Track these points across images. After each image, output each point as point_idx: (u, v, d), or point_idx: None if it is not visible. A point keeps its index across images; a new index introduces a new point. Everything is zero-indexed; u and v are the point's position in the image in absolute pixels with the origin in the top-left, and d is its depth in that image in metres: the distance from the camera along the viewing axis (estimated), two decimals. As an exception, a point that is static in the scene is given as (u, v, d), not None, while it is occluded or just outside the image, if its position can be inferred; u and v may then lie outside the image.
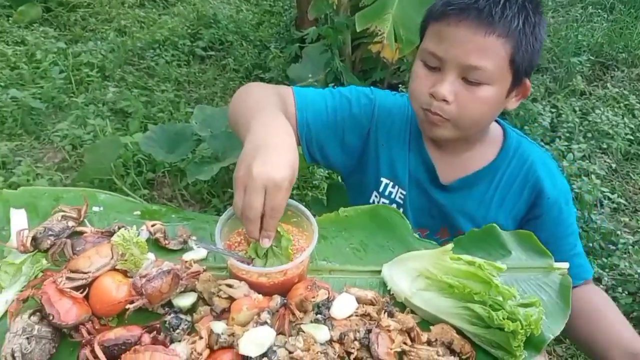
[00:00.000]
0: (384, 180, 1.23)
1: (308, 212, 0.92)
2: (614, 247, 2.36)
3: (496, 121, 1.23)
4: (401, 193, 1.22)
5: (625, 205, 2.81)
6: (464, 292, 0.83)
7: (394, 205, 1.21)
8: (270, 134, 0.87)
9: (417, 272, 0.90)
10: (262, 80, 3.78)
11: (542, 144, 3.01)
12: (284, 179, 0.79)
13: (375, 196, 1.26)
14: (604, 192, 2.70)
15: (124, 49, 3.96)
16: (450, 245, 0.89)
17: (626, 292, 2.10)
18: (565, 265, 0.97)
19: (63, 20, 4.34)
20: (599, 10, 5.06)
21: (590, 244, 2.43)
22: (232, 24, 4.43)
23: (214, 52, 4.11)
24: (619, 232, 2.44)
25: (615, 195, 2.72)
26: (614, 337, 1.07)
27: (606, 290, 2.15)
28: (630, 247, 2.30)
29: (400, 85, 3.30)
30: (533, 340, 0.83)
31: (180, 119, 3.17)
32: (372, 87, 1.28)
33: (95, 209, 1.07)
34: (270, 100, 1.08)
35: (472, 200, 1.20)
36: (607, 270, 2.25)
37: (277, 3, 4.98)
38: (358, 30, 2.80)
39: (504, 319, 0.79)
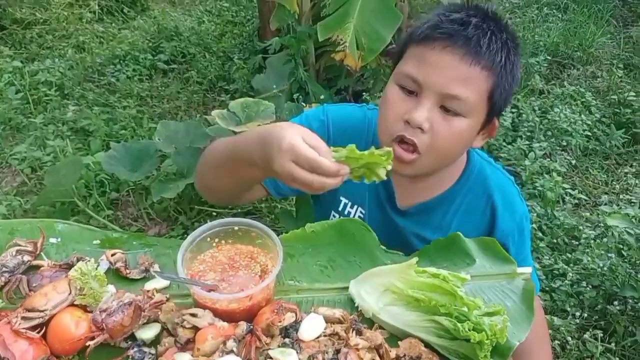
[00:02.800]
0: (343, 200, 1.22)
1: (272, 233, 0.91)
2: (577, 242, 2.43)
3: None
4: (360, 212, 1.20)
5: (586, 201, 2.89)
6: (430, 305, 0.84)
7: None
8: (257, 134, 0.90)
9: (384, 287, 0.90)
10: (226, 92, 3.76)
11: (505, 144, 3.07)
12: (289, 141, 0.80)
13: (334, 215, 1.25)
14: (566, 188, 2.78)
15: (83, 66, 3.87)
16: (414, 259, 0.89)
17: (590, 286, 2.16)
18: (528, 269, 0.99)
19: (18, 38, 4.23)
20: (554, 11, 5.22)
21: (555, 240, 2.49)
22: (194, 36, 4.39)
23: (176, 65, 4.06)
24: (581, 227, 2.51)
25: (576, 191, 2.80)
26: None
27: (571, 285, 2.21)
28: (592, 241, 2.37)
29: (364, 93, 3.33)
30: (499, 348, 0.84)
31: (144, 135, 3.11)
32: (325, 105, 1.23)
33: (53, 240, 1.03)
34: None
35: (429, 225, 1.19)
36: (571, 265, 2.30)
37: (240, 13, 4.96)
38: (320, 40, 2.81)
39: (469, 330, 0.80)
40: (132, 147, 2.57)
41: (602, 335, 2.05)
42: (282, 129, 0.83)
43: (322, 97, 3.15)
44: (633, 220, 2.23)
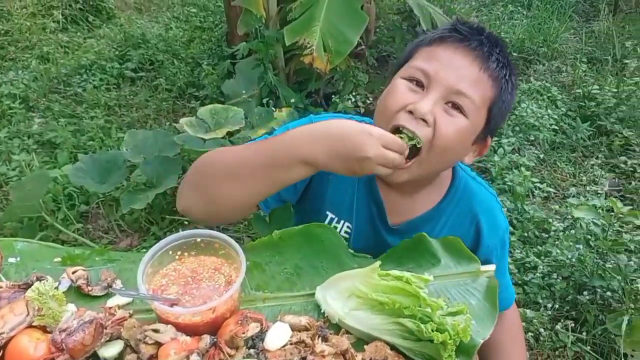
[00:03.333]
0: (329, 214, 1.20)
1: (234, 243, 0.90)
2: (546, 235, 2.48)
3: None
4: (347, 227, 1.18)
5: (555, 193, 2.95)
6: (394, 307, 0.84)
7: None
8: (308, 132, 0.93)
9: (349, 292, 0.90)
10: (196, 98, 3.72)
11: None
12: (378, 130, 0.89)
13: None
14: (534, 182, 2.83)
15: (47, 77, 3.79)
16: (377, 263, 0.90)
17: (560, 277, 2.21)
18: (492, 267, 1.01)
19: (-21, 51, 4.13)
20: (519, 8, 5.33)
21: (526, 234, 2.54)
22: (161, 43, 4.34)
23: (144, 73, 4.01)
24: (550, 220, 2.56)
25: (545, 184, 2.85)
26: None
27: (542, 277, 2.25)
28: (561, 233, 2.42)
29: (334, 95, 3.33)
30: (463, 346, 0.85)
31: (112, 145, 3.06)
32: (311, 116, 1.21)
33: (12, 260, 1.01)
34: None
35: None
36: (542, 257, 2.35)
37: (208, 19, 4.93)
38: (287, 44, 2.81)
39: (432, 331, 0.80)
40: (99, 158, 2.53)
41: (573, 325, 2.10)
42: (352, 124, 0.90)
43: (292, 100, 3.15)
44: (600, 211, 2.28)
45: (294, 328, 0.87)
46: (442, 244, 1.05)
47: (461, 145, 1.02)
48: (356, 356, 0.83)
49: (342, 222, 1.19)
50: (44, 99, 3.55)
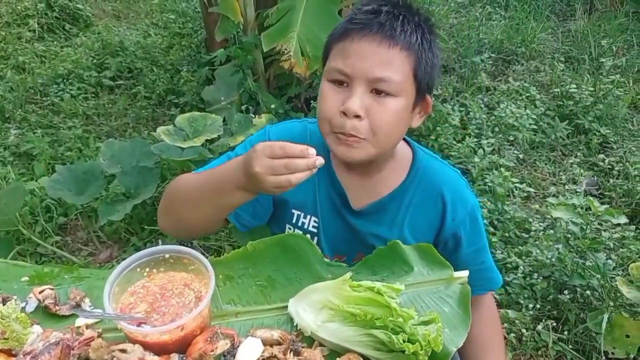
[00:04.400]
0: (295, 212, 1.22)
1: (203, 258, 0.89)
2: (527, 235, 2.50)
3: (406, 141, 1.24)
4: (314, 221, 1.21)
5: (535, 193, 2.98)
6: (366, 319, 0.84)
7: (308, 235, 1.18)
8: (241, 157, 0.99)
9: (321, 305, 0.89)
10: (176, 105, 3.69)
11: (455, 142, 3.13)
12: (261, 144, 0.92)
13: (289, 228, 1.25)
14: (514, 182, 2.86)
15: (23, 87, 3.73)
16: (348, 274, 0.89)
17: (541, 277, 2.22)
18: (465, 273, 1.00)
19: (-48, 62, 4.05)
20: (497, 8, 5.38)
21: (507, 234, 2.55)
22: (140, 50, 4.30)
23: (123, 81, 3.97)
24: (531, 220, 2.58)
25: (524, 184, 2.88)
26: None
27: (524, 277, 2.27)
28: (541, 233, 2.44)
29: (314, 100, 3.33)
30: (436, 355, 0.85)
31: (91, 156, 3.02)
32: (267, 127, 1.25)
33: (-23, 280, 0.98)
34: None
35: (384, 223, 1.20)
36: (523, 257, 2.37)
37: (187, 25, 4.89)
38: (265, 50, 2.80)
39: (404, 341, 0.80)
40: (76, 169, 2.49)
41: (555, 324, 2.11)
42: (258, 144, 0.94)
43: (272, 106, 3.14)
44: (579, 210, 2.30)
45: (266, 342, 0.86)
46: (415, 250, 1.04)
47: (402, 120, 1.07)
48: (329, 369, 0.83)
49: (308, 217, 1.21)
50: (20, 110, 3.49)
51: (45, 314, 0.92)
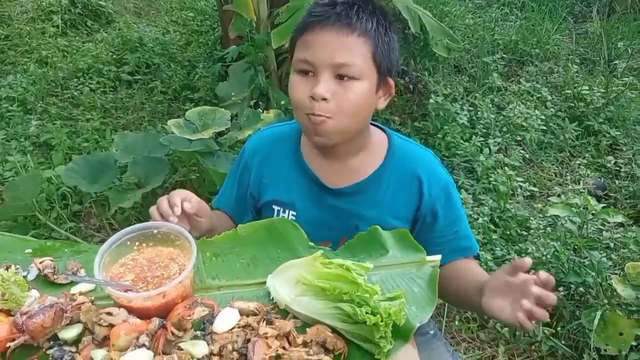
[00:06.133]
0: (275, 207, 1.30)
1: (187, 234, 0.96)
2: (527, 233, 2.52)
3: (381, 128, 1.31)
4: (292, 215, 1.27)
5: (540, 192, 2.99)
6: (335, 293, 0.90)
7: None
8: None
9: (295, 280, 0.96)
10: (191, 100, 3.80)
11: (462, 141, 3.16)
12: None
13: None
14: (519, 181, 2.87)
15: (45, 80, 3.88)
16: (320, 252, 0.96)
17: (538, 274, 2.24)
18: (437, 257, 1.05)
19: (-21, 56, 4.24)
20: (513, 9, 5.37)
21: (508, 232, 2.58)
22: (158, 47, 4.42)
23: (140, 76, 4.10)
24: (532, 219, 2.60)
25: (528, 184, 2.89)
26: (481, 277, 1.14)
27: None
28: (540, 231, 2.46)
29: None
30: (400, 329, 0.90)
31: (107, 147, 3.14)
32: (245, 145, 1.39)
33: (-15, 251, 1.08)
34: None
35: (365, 204, 1.26)
36: (522, 255, 2.39)
37: (205, 22, 5.01)
38: (274, 48, 2.87)
39: (366, 314, 0.86)
40: (92, 159, 2.60)
41: (549, 320, 2.13)
42: None
43: (282, 102, 3.21)
44: (582, 209, 2.31)
45: (243, 313, 0.93)
46: (392, 235, 1.10)
47: (366, 101, 1.15)
48: (298, 338, 0.89)
49: (287, 211, 1.28)
50: (42, 102, 3.64)
51: (45, 282, 1.01)
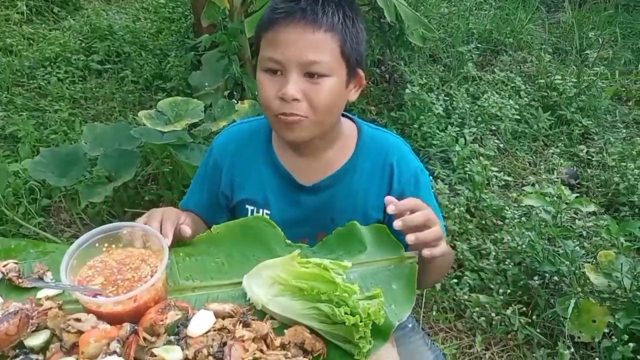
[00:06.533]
0: (249, 207, 1.27)
1: (157, 234, 0.93)
2: (502, 223, 2.55)
3: (350, 119, 1.29)
4: (266, 214, 1.25)
5: (514, 182, 3.03)
6: (312, 293, 0.88)
7: None
8: None
9: (272, 280, 0.93)
10: (163, 90, 3.71)
11: (438, 131, 3.17)
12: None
13: None
14: (494, 171, 2.90)
15: (10, 70, 3.73)
16: (297, 251, 0.94)
17: (513, 263, 2.28)
18: (415, 253, 1.05)
19: (-61, 44, 4.05)
20: (488, -2, 5.39)
21: (483, 222, 2.60)
22: (128, 35, 4.29)
23: (110, 65, 3.97)
24: (507, 208, 2.63)
25: (503, 173, 2.92)
26: None
27: (497, 263, 2.32)
28: (515, 221, 2.49)
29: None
30: (380, 328, 0.89)
31: (76, 139, 3.04)
32: (212, 143, 1.35)
33: (-55, 254, 1.02)
34: None
35: (340, 195, 1.25)
36: (498, 244, 2.42)
37: (177, 10, 4.87)
38: (248, 36, 2.81)
39: (345, 314, 0.84)
40: (60, 152, 2.51)
41: (524, 309, 2.17)
42: None
43: (256, 93, 3.16)
44: (555, 199, 2.34)
45: (218, 315, 0.91)
46: (370, 231, 1.08)
47: (338, 97, 1.13)
48: (276, 340, 0.87)
49: (261, 210, 1.25)
50: (7, 93, 3.50)
51: (9, 286, 0.96)
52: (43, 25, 4.45)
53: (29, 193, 2.67)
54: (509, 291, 2.22)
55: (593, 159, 3.16)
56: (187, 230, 1.04)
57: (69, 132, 3.14)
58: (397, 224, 0.96)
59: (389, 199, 0.98)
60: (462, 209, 2.58)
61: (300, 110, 1.08)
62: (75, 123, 3.23)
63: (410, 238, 0.94)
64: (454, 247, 2.38)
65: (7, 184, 2.54)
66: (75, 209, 2.61)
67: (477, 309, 2.19)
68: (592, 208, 2.12)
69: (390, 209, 0.96)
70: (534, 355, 2.06)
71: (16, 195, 2.63)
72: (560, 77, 3.78)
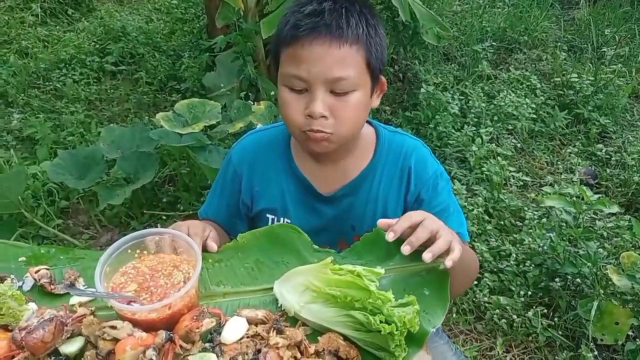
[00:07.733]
0: (269, 216, 1.27)
1: (190, 240, 0.93)
2: (521, 223, 2.52)
3: (368, 122, 1.27)
4: (287, 222, 1.24)
5: (532, 182, 3.00)
6: (346, 300, 0.87)
7: None
8: None
9: (304, 287, 0.93)
10: (177, 91, 3.71)
11: (453, 131, 3.15)
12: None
13: None
14: (511, 171, 2.87)
15: (26, 72, 3.76)
16: (329, 259, 0.93)
17: (533, 265, 2.26)
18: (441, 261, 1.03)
19: (-45, 46, 4.08)
20: (500, -4, 5.34)
21: (502, 222, 2.58)
22: (142, 36, 4.30)
23: (125, 67, 3.99)
24: (526, 208, 2.61)
25: (521, 173, 2.90)
26: None
27: (517, 265, 2.30)
28: (535, 221, 2.46)
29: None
30: (414, 335, 0.88)
31: (92, 141, 3.05)
32: (231, 151, 1.34)
33: (-24, 260, 1.02)
34: None
35: (359, 201, 1.24)
36: (517, 246, 2.40)
37: (189, 10, 4.88)
38: (264, 38, 2.81)
39: (380, 322, 0.83)
40: (78, 154, 2.52)
41: (545, 311, 2.15)
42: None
43: (272, 93, 3.16)
44: (575, 199, 2.32)
45: (251, 321, 0.90)
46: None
47: (364, 108, 1.12)
48: (310, 347, 0.86)
49: (281, 219, 1.25)
50: (23, 95, 3.53)
51: (41, 292, 0.96)
52: (57, 27, 4.48)
53: (48, 195, 2.68)
54: (529, 293, 2.19)
55: (612, 158, 3.12)
56: (214, 246, 1.05)
57: (86, 134, 3.15)
58: (405, 250, 0.94)
59: (382, 223, 0.98)
60: (480, 209, 2.56)
61: (327, 127, 1.06)
62: (91, 125, 3.25)
63: (426, 257, 0.92)
64: (472, 249, 2.36)
65: (26, 186, 2.55)
66: (93, 210, 2.63)
67: (497, 310, 2.17)
68: (615, 209, 2.09)
69: (390, 237, 0.95)
70: (556, 358, 2.04)
71: (35, 197, 2.65)
72: (576, 75, 3.73)
